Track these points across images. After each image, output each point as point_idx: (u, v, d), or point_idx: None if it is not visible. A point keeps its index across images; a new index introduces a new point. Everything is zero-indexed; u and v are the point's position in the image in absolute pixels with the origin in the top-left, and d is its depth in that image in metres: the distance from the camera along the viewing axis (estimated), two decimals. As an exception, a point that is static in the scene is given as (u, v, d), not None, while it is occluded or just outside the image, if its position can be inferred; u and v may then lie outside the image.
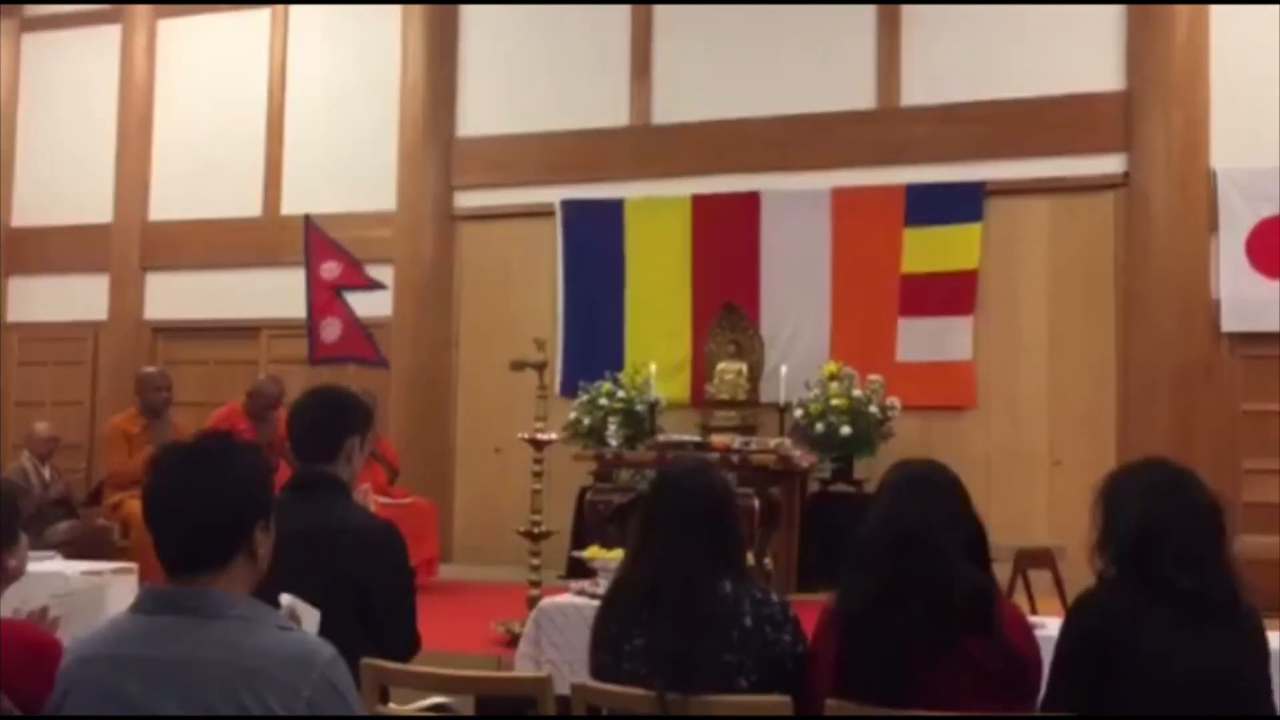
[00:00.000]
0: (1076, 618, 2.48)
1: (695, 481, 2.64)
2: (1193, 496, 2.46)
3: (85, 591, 3.73)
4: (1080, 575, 3.02)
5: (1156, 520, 2.39)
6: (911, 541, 2.36)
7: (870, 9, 8.98)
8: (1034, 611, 5.93)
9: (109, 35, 11.10)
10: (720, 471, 2.97)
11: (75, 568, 5.27)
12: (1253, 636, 2.46)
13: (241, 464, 1.87)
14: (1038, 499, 8.33)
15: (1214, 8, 8.11)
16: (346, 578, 2.73)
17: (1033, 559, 6.47)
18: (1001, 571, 5.41)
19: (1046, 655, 2.59)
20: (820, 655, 2.50)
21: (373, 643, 2.75)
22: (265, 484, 1.92)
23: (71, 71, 11.29)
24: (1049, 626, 3.41)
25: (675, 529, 2.55)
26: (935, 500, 2.51)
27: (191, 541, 1.81)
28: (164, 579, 1.84)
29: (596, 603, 4.30)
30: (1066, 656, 2.44)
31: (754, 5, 9.25)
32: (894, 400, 8.17)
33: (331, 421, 2.95)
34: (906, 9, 8.89)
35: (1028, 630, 2.58)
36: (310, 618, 2.18)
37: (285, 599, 2.13)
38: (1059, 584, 6.35)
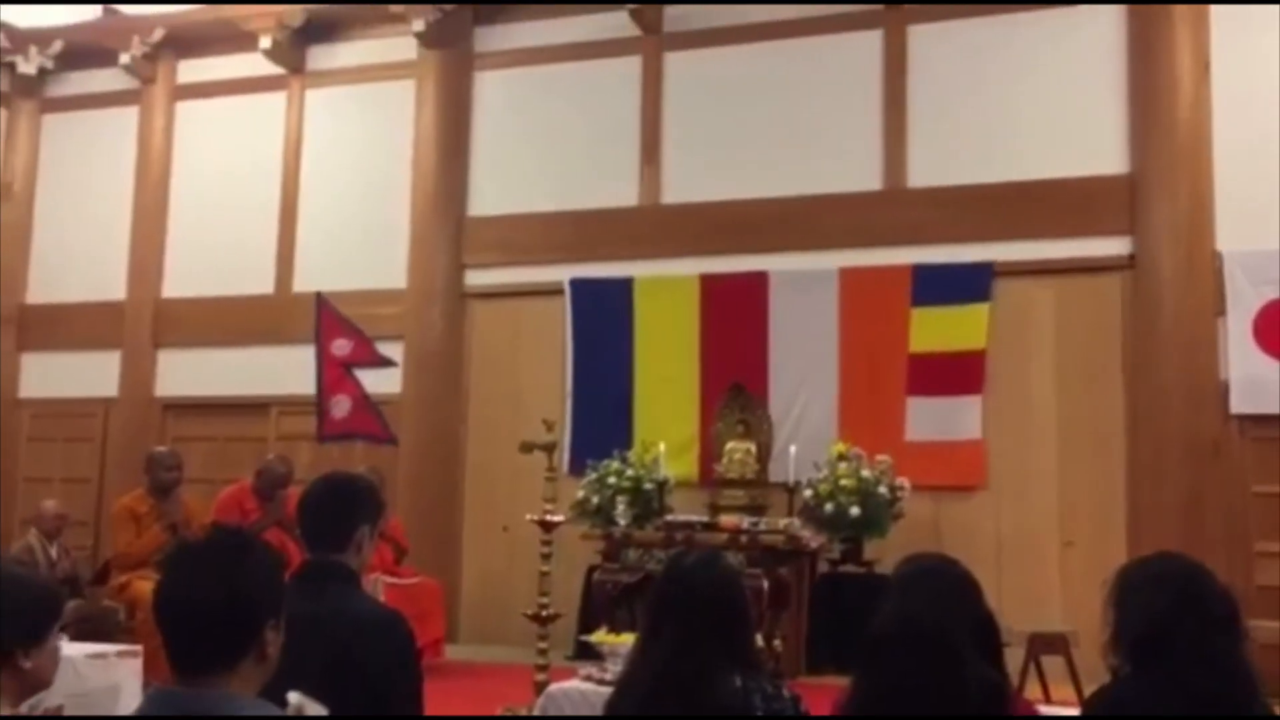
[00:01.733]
0: (1092, 717, 2.45)
1: (706, 574, 2.63)
2: (1206, 592, 2.43)
3: (100, 692, 3.70)
4: (1095, 660, 2.99)
5: (1169, 618, 2.37)
6: (922, 639, 2.34)
7: (877, 91, 9.11)
8: (1048, 699, 5.87)
9: (127, 116, 11.32)
10: (730, 562, 2.96)
11: (81, 649, 5.23)
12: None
13: (253, 564, 1.87)
14: (1050, 580, 8.26)
15: (1217, 92, 8.22)
16: (353, 668, 2.71)
17: (1046, 644, 6.40)
18: (1014, 656, 5.37)
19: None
20: (831, 753, 2.47)
21: (379, 735, 2.72)
22: (276, 584, 1.92)
23: (89, 152, 11.48)
24: (1062, 718, 3.37)
25: (685, 622, 2.54)
26: (946, 596, 2.50)
27: (202, 642, 1.80)
28: (173, 679, 1.83)
29: (604, 689, 4.28)
30: (1081, 757, 2.41)
31: (762, 88, 9.39)
32: (903, 481, 8.14)
33: (343, 511, 2.94)
34: (912, 92, 9.02)
35: (1041, 726, 2.55)
36: (318, 715, 2.17)
37: (293, 698, 2.11)
38: (1073, 671, 6.28)
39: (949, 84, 8.95)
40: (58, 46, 11.23)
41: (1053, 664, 6.56)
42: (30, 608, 2.36)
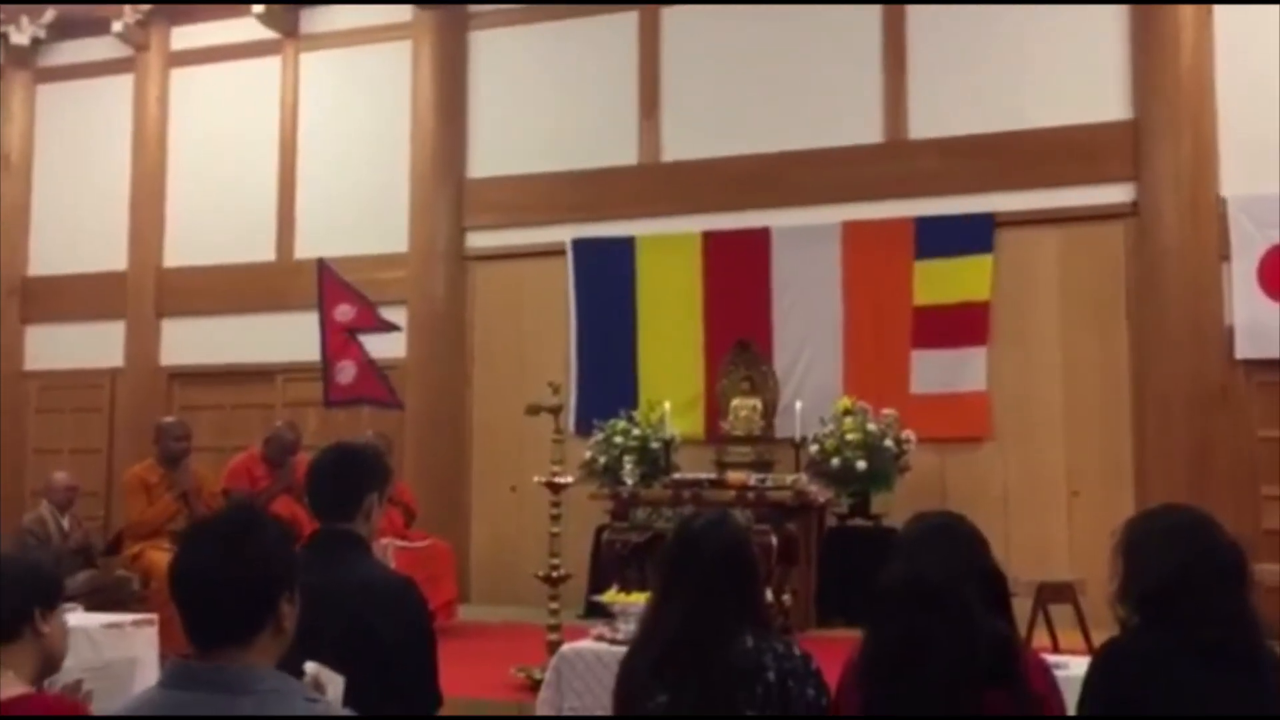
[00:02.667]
0: (1101, 669, 2.47)
1: (716, 536, 2.64)
2: (1214, 543, 2.45)
3: (118, 664, 3.74)
4: (1102, 608, 3.01)
5: (1178, 569, 2.39)
6: (932, 595, 2.36)
7: (876, 43, 9.03)
8: (1056, 648, 5.92)
9: (122, 85, 11.25)
10: (739, 522, 2.97)
11: (96, 619, 5.28)
12: (1276, 682, 2.45)
13: (266, 538, 1.89)
14: (1058, 529, 8.30)
15: (1219, 36, 8.14)
16: (367, 636, 2.73)
17: (1054, 593, 6.44)
18: (1022, 606, 5.40)
19: (1070, 696, 2.59)
20: (843, 710, 2.50)
21: (394, 701, 2.75)
22: (290, 557, 1.93)
23: (86, 121, 11.42)
24: (1071, 666, 3.40)
25: (696, 585, 2.56)
26: (955, 552, 2.51)
27: (218, 617, 1.82)
28: (191, 653, 1.85)
29: (617, 649, 4.32)
30: (1091, 709, 2.43)
31: (761, 41, 9.31)
32: (909, 433, 8.15)
33: (350, 480, 2.95)
34: (912, 42, 8.94)
35: (1050, 678, 2.57)
36: (335, 684, 2.19)
37: (310, 667, 2.14)
38: (1081, 619, 6.32)
39: (949, 33, 8.87)
40: (49, 15, 11.14)
41: (1061, 612, 6.60)
42: (38, 575, 2.42)
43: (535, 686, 5.13)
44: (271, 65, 10.80)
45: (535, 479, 5.91)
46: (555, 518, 5.78)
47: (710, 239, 9.26)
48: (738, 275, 9.11)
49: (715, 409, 8.86)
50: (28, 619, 2.32)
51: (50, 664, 2.41)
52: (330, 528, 2.93)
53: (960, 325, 8.61)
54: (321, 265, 8.76)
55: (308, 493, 3.04)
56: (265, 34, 10.67)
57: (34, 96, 11.65)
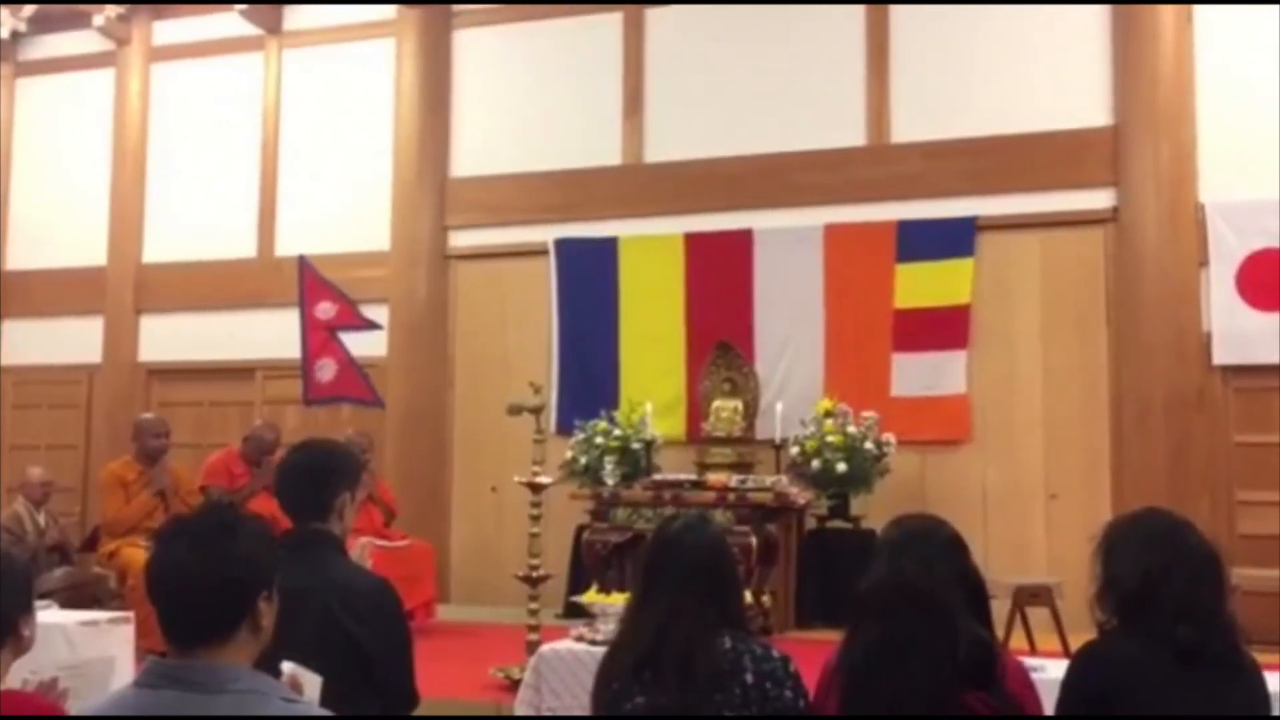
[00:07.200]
0: (1079, 671, 2.49)
1: (695, 539, 2.65)
2: (1192, 547, 2.48)
3: (94, 663, 3.70)
4: (1079, 611, 3.02)
5: (1156, 572, 2.41)
6: (911, 598, 2.37)
7: (860, 46, 9.06)
8: (1033, 650, 5.94)
9: (103, 79, 11.18)
10: (717, 524, 2.98)
11: (72, 617, 5.25)
12: (1253, 684, 2.47)
13: (244, 537, 1.88)
14: (1035, 532, 8.34)
15: (1200, 42, 8.20)
16: (342, 636, 2.72)
17: (1031, 596, 6.46)
18: (999, 608, 5.42)
19: (1047, 698, 2.60)
20: (822, 712, 2.50)
21: (371, 701, 2.74)
22: (268, 556, 1.92)
23: (65, 116, 11.34)
24: (1049, 669, 3.41)
25: (675, 587, 2.56)
26: (934, 556, 2.52)
27: (195, 615, 1.81)
28: (168, 651, 1.84)
29: (596, 649, 4.31)
30: (1069, 711, 2.45)
31: (744, 43, 9.32)
32: (889, 436, 8.17)
33: (320, 479, 2.92)
34: (895, 46, 8.97)
35: (1028, 680, 2.59)
36: (312, 684, 2.18)
37: (287, 667, 2.13)
38: (1058, 622, 6.34)
39: (932, 37, 8.90)
40: (30, 9, 11.06)
41: (1038, 615, 6.63)
42: (22, 577, 2.39)
43: (514, 687, 5.12)
44: (254, 61, 10.74)
45: (516, 479, 5.90)
46: (535, 518, 5.76)
47: (692, 240, 9.26)
48: (720, 277, 9.11)
49: (696, 410, 8.86)
50: (12, 625, 2.30)
51: (22, 653, 2.40)
52: (303, 527, 2.91)
53: (941, 328, 8.63)
54: (302, 262, 8.71)
55: (277, 493, 3.00)
56: (248, 30, 10.61)
57: (13, 90, 11.56)
